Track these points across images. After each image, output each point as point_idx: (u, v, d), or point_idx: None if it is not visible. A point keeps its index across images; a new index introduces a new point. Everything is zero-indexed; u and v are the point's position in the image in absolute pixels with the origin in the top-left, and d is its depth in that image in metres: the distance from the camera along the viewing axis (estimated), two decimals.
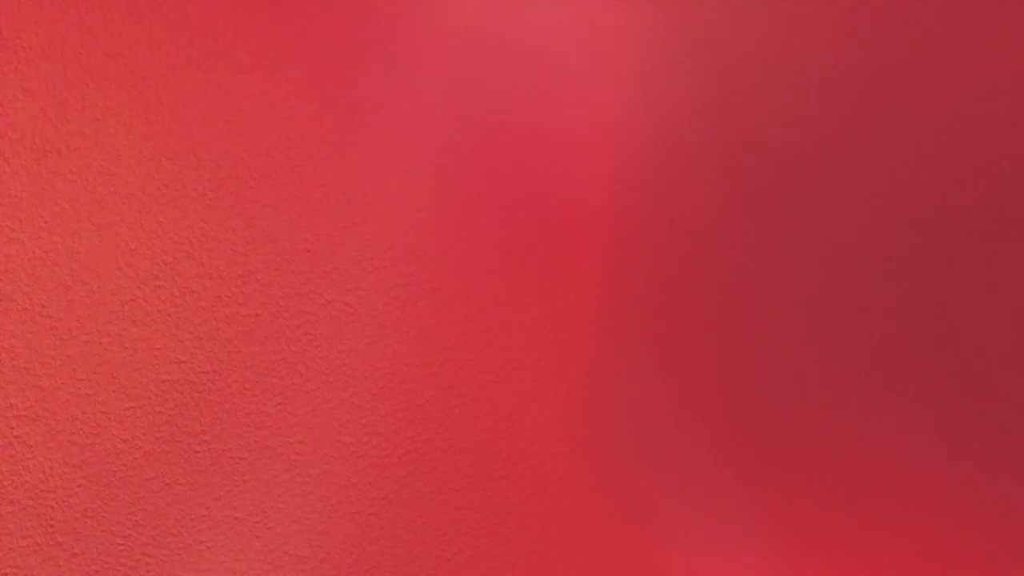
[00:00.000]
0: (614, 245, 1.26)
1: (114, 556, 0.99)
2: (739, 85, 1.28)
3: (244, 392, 1.05)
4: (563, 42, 1.24)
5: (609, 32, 1.25)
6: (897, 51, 1.23)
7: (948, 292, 1.28)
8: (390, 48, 1.15)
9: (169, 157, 1.04)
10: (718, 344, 1.30)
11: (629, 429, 1.25)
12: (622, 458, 1.25)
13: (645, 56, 1.28)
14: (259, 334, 1.06)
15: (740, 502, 1.30)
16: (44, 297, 0.97)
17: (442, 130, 1.18)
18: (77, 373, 0.98)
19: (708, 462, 1.29)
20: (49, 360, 0.97)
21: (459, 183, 1.18)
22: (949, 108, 1.23)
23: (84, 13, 0.97)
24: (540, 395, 1.21)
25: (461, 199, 1.18)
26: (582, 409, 1.23)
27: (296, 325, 1.09)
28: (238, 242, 1.06)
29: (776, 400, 1.33)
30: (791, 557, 1.31)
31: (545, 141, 1.23)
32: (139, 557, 1.00)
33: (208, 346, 1.04)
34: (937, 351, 1.31)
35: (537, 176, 1.22)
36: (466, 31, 1.18)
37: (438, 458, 1.15)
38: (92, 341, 0.99)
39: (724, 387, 1.31)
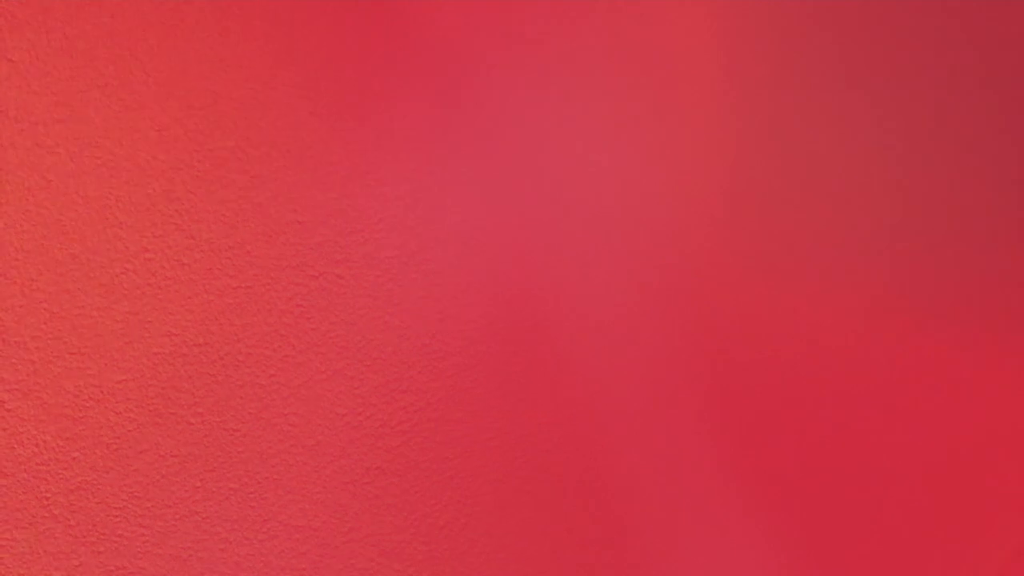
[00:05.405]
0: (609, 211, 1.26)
1: (109, 527, 0.99)
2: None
3: (237, 364, 1.06)
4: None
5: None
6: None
7: None
8: (383, 19, 1.14)
9: (157, 128, 1.03)
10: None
11: (619, 401, 1.26)
12: (614, 428, 1.25)
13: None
14: (250, 306, 1.06)
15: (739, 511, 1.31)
16: (33, 271, 0.97)
17: (437, 100, 1.17)
18: (68, 347, 0.98)
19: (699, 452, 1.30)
20: (40, 334, 0.97)
21: (451, 152, 1.18)
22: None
23: None
24: (532, 364, 1.21)
25: (453, 169, 1.18)
26: (573, 377, 1.24)
27: (287, 297, 1.09)
28: (227, 214, 1.06)
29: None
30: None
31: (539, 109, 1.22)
32: (135, 528, 1.01)
33: (199, 319, 1.04)
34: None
35: (527, 133, 1.22)
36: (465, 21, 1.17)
37: (432, 428, 1.15)
38: (82, 315, 0.99)
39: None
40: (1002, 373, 1.40)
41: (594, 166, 1.25)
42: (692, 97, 1.29)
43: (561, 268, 1.23)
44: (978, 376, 1.39)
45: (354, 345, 1.11)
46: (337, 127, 1.12)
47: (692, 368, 1.30)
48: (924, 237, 1.39)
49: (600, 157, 1.25)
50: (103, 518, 0.99)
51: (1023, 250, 1.42)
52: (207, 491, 1.04)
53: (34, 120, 0.96)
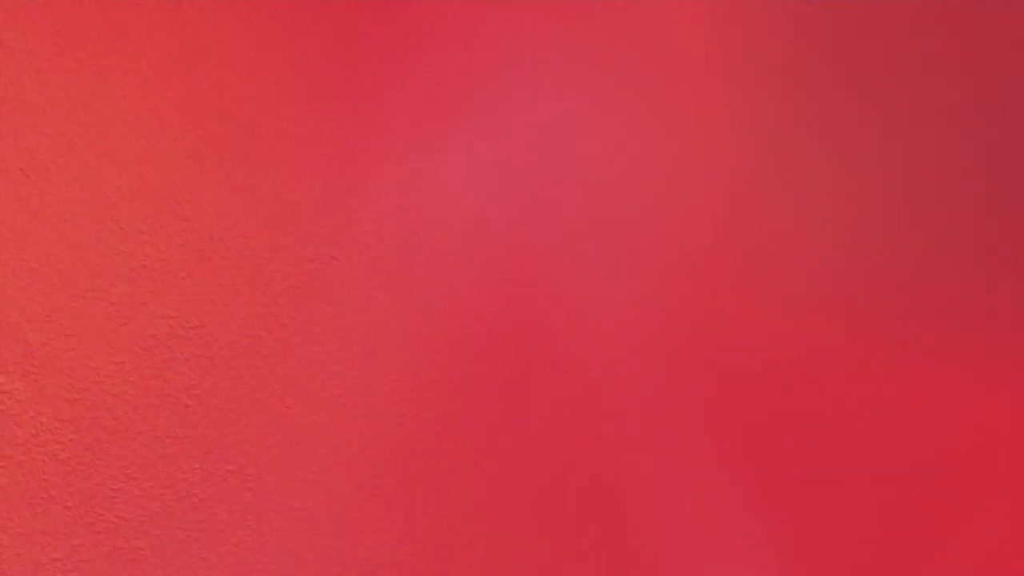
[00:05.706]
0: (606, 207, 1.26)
1: (108, 509, 1.00)
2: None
3: (232, 346, 1.06)
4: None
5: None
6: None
7: None
8: (383, 12, 1.14)
9: (156, 117, 1.04)
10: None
11: (619, 399, 1.25)
12: (614, 426, 1.25)
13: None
14: (244, 288, 1.07)
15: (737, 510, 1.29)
16: (28, 253, 0.98)
17: (433, 82, 1.17)
18: (64, 329, 0.99)
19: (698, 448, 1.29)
20: (35, 316, 0.98)
21: (450, 146, 1.18)
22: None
23: None
24: (533, 359, 1.21)
25: (452, 162, 1.18)
26: (573, 374, 1.23)
27: (281, 279, 1.09)
28: (222, 196, 1.06)
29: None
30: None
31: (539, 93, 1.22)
32: (132, 510, 1.01)
33: (194, 301, 1.04)
34: None
35: (528, 123, 1.22)
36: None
37: (432, 417, 1.15)
38: (78, 296, 1.00)
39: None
40: (1002, 372, 1.38)
41: (595, 166, 1.25)
42: (692, 97, 1.28)
43: (562, 266, 1.22)
44: (979, 375, 1.38)
45: (349, 327, 1.12)
46: (336, 115, 1.12)
47: (692, 367, 1.29)
48: (924, 236, 1.38)
49: (601, 157, 1.25)
50: (100, 499, 1.00)
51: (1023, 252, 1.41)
52: (204, 472, 1.04)
53: (32, 107, 0.97)
